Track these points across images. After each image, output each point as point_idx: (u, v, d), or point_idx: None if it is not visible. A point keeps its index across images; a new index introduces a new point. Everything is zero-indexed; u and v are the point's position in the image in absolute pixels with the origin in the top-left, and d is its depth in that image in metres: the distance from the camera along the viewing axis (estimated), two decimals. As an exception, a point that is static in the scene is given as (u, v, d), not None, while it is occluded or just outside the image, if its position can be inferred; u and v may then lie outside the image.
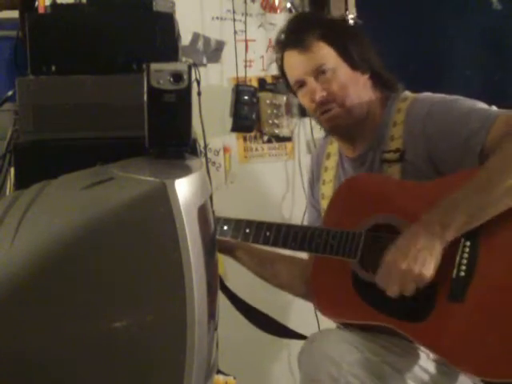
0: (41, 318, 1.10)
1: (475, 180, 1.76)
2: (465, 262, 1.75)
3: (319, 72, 1.97)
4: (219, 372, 1.96)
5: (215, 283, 1.34)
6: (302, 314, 2.06)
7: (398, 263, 1.72)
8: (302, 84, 2.01)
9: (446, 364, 1.77)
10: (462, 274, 1.74)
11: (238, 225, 1.99)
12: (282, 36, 2.07)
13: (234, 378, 2.07)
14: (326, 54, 1.98)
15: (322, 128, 2.11)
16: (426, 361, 1.82)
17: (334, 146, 2.14)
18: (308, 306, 2.04)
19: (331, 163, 2.13)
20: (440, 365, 1.81)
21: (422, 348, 1.78)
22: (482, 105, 1.89)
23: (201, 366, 1.16)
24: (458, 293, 1.73)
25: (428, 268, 1.72)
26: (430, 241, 1.72)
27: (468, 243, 1.75)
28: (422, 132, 1.90)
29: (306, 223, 2.24)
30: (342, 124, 1.99)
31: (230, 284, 2.14)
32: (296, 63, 2.01)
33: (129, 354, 1.12)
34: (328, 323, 2.01)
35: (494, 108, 1.87)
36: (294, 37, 2.01)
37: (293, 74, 2.03)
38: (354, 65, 2.00)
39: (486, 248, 1.75)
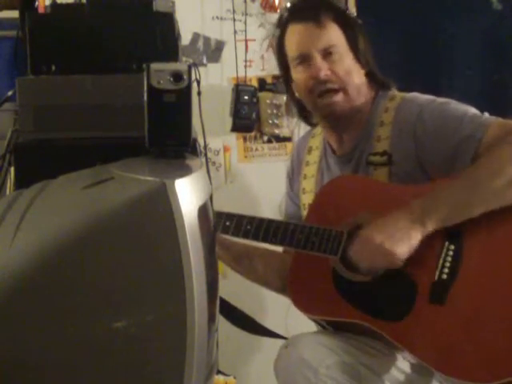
0: (41, 318, 1.10)
1: (464, 176, 1.77)
2: (448, 265, 1.75)
3: (327, 52, 1.94)
4: (219, 372, 1.96)
5: (215, 283, 1.34)
6: (301, 314, 2.06)
7: (373, 238, 1.75)
8: (304, 59, 1.95)
9: (420, 364, 1.78)
10: (444, 276, 1.75)
11: (217, 217, 1.95)
12: (291, 9, 2.02)
13: (234, 378, 2.07)
14: (338, 37, 1.95)
15: (310, 115, 2.08)
16: (402, 361, 1.82)
17: (317, 140, 2.12)
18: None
19: (313, 158, 2.12)
20: (415, 365, 1.82)
21: (399, 346, 1.78)
22: (474, 110, 1.88)
23: (201, 366, 1.16)
24: (439, 295, 1.74)
25: (402, 248, 1.73)
26: (409, 225, 1.74)
27: (452, 247, 1.76)
28: (412, 134, 1.89)
29: (283, 216, 2.21)
30: (341, 111, 1.96)
31: (229, 283, 2.14)
32: (306, 36, 1.95)
33: (129, 355, 1.12)
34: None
35: (487, 114, 1.87)
36: (308, 12, 1.96)
37: (298, 47, 1.96)
38: (357, 56, 1.97)
39: (470, 253, 1.76)
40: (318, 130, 2.12)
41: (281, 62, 2.05)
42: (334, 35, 1.95)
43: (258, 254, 2.10)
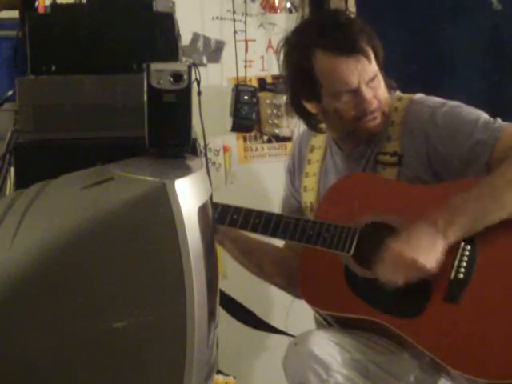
0: (41, 318, 1.10)
1: (484, 184, 1.78)
2: (464, 264, 1.77)
3: (371, 81, 1.90)
4: (219, 372, 1.96)
5: (215, 283, 1.34)
6: (301, 314, 2.06)
7: (403, 253, 1.75)
8: (351, 91, 1.89)
9: (430, 361, 1.79)
10: (461, 276, 1.77)
11: (224, 210, 1.94)
12: (322, 34, 1.92)
13: (234, 378, 2.07)
14: (375, 63, 1.91)
15: (318, 123, 2.06)
16: (410, 359, 1.83)
17: (319, 139, 2.11)
18: (308, 307, 2.04)
19: (315, 156, 2.11)
20: (423, 363, 1.82)
21: (412, 343, 1.79)
22: (486, 115, 1.89)
23: (201, 365, 1.16)
24: (454, 294, 1.76)
25: (431, 261, 1.74)
26: (434, 237, 1.75)
27: (468, 247, 1.78)
28: (424, 137, 1.89)
29: (281, 209, 2.18)
30: (378, 131, 1.95)
31: (229, 283, 2.14)
32: (353, 72, 1.88)
33: (129, 354, 1.12)
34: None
35: (499, 120, 1.87)
36: (345, 41, 1.88)
37: (345, 81, 1.88)
38: (381, 68, 1.95)
39: (486, 253, 1.78)
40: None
41: (305, 83, 1.96)
42: (374, 63, 1.91)
43: (265, 249, 2.10)
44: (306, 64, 1.92)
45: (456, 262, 1.78)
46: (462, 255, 1.78)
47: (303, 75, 1.94)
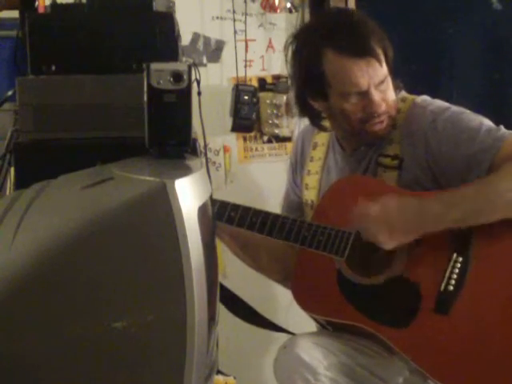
0: (40, 318, 1.10)
1: (481, 183, 1.77)
2: (455, 276, 1.78)
3: (380, 83, 1.89)
4: (219, 372, 1.96)
5: (215, 283, 1.34)
6: (301, 313, 2.06)
7: (375, 221, 1.79)
8: (360, 93, 1.88)
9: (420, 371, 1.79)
10: (451, 288, 1.77)
11: (222, 207, 1.94)
12: (332, 34, 1.90)
13: (234, 378, 2.07)
14: (384, 64, 1.90)
15: (322, 121, 2.04)
16: (399, 362, 1.83)
17: (322, 137, 2.10)
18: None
19: (318, 154, 2.10)
20: (412, 367, 1.82)
21: (400, 353, 1.79)
22: (488, 121, 1.88)
23: (201, 365, 1.16)
24: (444, 306, 1.77)
25: (391, 245, 1.78)
26: (413, 227, 1.77)
27: (460, 259, 1.78)
28: (424, 142, 1.88)
29: (283, 203, 2.20)
30: (384, 133, 1.94)
31: (229, 283, 2.14)
32: (364, 74, 1.86)
33: (129, 354, 1.12)
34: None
35: (502, 128, 1.86)
36: (357, 44, 1.86)
37: (355, 83, 1.87)
38: (391, 70, 1.93)
39: (477, 266, 1.78)
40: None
41: (313, 82, 1.93)
42: (384, 65, 1.90)
43: (263, 245, 2.10)
44: (315, 63, 1.90)
45: (447, 274, 1.78)
46: (454, 267, 1.78)
47: (312, 73, 1.92)
